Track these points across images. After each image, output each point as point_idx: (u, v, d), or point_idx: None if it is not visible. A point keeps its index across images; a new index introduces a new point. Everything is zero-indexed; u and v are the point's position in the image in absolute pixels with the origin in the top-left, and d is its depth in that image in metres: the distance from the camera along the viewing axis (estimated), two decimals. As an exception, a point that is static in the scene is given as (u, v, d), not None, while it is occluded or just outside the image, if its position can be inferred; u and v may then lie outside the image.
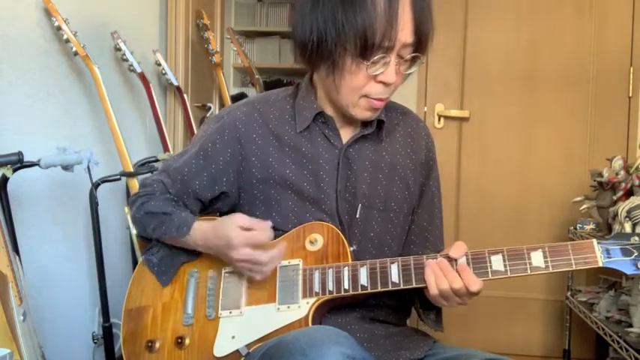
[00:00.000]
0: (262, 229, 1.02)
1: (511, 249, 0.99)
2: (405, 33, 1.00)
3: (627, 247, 0.97)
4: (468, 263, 1.00)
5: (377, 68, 1.03)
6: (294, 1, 1.07)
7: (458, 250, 1.01)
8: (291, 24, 1.08)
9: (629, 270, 0.96)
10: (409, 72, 1.07)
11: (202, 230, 1.08)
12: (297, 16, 1.06)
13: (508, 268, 0.98)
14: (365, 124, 1.15)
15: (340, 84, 1.06)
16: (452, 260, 1.01)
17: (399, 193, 1.17)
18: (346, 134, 1.15)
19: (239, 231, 1.01)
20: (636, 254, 0.96)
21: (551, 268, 0.97)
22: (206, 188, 1.16)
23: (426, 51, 1.05)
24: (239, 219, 1.03)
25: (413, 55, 1.04)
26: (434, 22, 1.05)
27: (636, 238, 0.97)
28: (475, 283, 0.97)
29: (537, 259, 0.98)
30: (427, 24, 1.02)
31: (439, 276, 0.99)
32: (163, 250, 1.16)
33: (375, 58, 1.01)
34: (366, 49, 0.99)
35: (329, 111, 1.14)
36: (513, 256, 0.98)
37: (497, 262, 0.99)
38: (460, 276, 0.98)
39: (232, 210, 1.19)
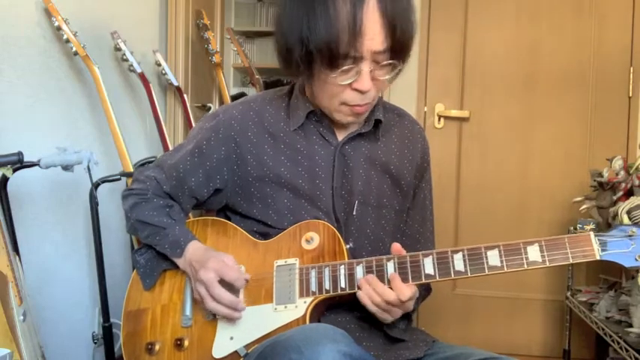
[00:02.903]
0: (236, 270, 1.05)
1: (507, 244, 0.98)
2: (374, 42, 0.97)
3: (625, 239, 0.95)
4: (465, 259, 0.99)
5: (349, 77, 1.01)
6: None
7: (397, 248, 1.03)
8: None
9: (627, 262, 0.94)
10: (386, 78, 1.03)
11: (189, 252, 1.10)
12: (273, 26, 1.06)
13: (505, 263, 0.97)
14: (362, 122, 1.15)
15: (317, 91, 1.07)
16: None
17: (390, 189, 1.17)
18: (342, 132, 1.16)
19: (220, 262, 1.05)
20: (634, 246, 0.94)
21: (548, 263, 0.96)
22: (202, 185, 1.16)
23: (404, 56, 1.02)
24: (227, 256, 1.07)
25: (389, 62, 1.01)
26: (415, 25, 1.02)
27: (634, 229, 0.95)
28: (404, 293, 0.98)
29: (534, 253, 0.97)
30: (403, 28, 0.98)
31: (370, 292, 1.00)
32: (150, 252, 1.17)
33: (344, 67, 0.99)
34: (332, 60, 0.97)
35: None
36: (510, 251, 0.98)
37: (493, 258, 0.98)
38: (391, 286, 0.99)
39: (225, 207, 1.20)
